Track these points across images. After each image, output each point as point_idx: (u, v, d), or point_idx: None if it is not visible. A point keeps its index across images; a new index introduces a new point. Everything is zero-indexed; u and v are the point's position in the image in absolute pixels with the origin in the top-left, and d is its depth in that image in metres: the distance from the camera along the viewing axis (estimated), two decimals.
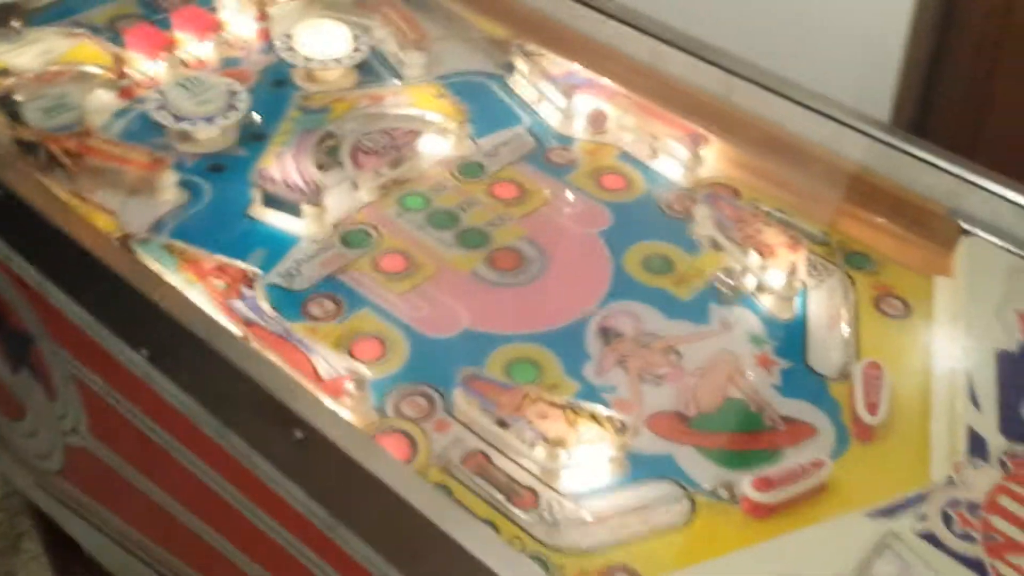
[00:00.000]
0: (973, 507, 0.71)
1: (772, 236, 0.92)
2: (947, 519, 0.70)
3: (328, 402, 0.76)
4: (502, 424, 0.78)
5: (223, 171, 1.00)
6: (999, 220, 0.93)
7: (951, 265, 0.92)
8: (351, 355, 0.84)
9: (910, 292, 0.92)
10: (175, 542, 1.00)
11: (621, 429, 0.77)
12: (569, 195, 1.00)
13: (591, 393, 0.83)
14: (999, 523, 0.70)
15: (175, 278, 0.85)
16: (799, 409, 0.82)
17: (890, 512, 0.70)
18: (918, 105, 1.24)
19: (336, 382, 0.78)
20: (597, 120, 1.07)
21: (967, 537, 0.69)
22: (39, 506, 1.24)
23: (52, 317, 0.92)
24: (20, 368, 1.05)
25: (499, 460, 0.78)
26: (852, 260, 0.95)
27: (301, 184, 0.95)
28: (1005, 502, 0.71)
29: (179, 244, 0.88)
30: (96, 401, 0.94)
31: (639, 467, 0.78)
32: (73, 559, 1.49)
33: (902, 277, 0.94)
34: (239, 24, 1.16)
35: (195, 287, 0.85)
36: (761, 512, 0.73)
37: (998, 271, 0.88)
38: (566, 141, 1.07)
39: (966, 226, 0.94)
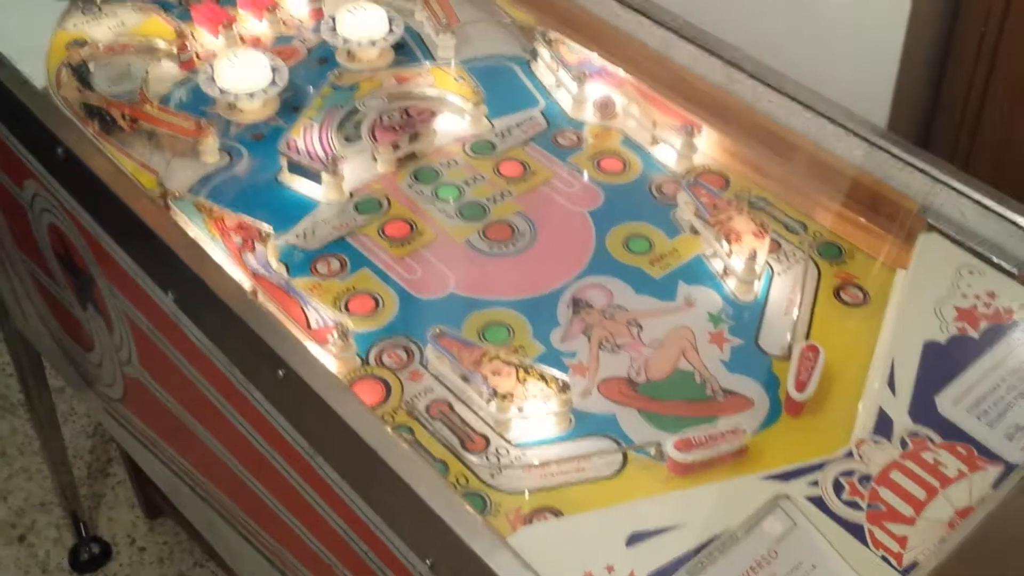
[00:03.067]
0: (865, 479, 0.78)
1: (742, 223, 0.99)
2: (838, 487, 0.77)
3: (311, 347, 0.88)
4: (464, 378, 0.88)
5: (262, 139, 1.12)
6: (963, 219, 0.98)
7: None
8: (347, 309, 0.96)
9: (872, 283, 0.98)
10: (207, 465, 1.13)
11: (564, 388, 0.86)
12: (566, 175, 1.09)
13: (554, 357, 0.92)
14: (886, 494, 0.77)
15: (200, 232, 0.98)
16: (741, 384, 0.90)
17: (787, 476, 0.78)
18: (919, 108, 1.28)
19: (322, 331, 0.90)
20: (605, 106, 1.16)
21: (853, 504, 0.76)
22: (109, 431, 1.40)
23: (106, 260, 1.06)
24: (87, 304, 1.20)
25: (459, 409, 0.88)
26: (824, 250, 1.02)
27: (322, 155, 1.06)
28: (896, 476, 0.77)
29: (207, 202, 1.01)
30: (142, 336, 1.08)
31: (584, 424, 0.87)
32: (150, 484, 1.66)
33: (868, 268, 0.99)
34: (294, 4, 1.28)
35: (216, 241, 0.97)
36: (681, 470, 0.82)
37: (948, 267, 0.94)
38: (576, 125, 1.15)
39: (933, 223, 1.00)
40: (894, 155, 1.02)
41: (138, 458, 1.32)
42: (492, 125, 1.14)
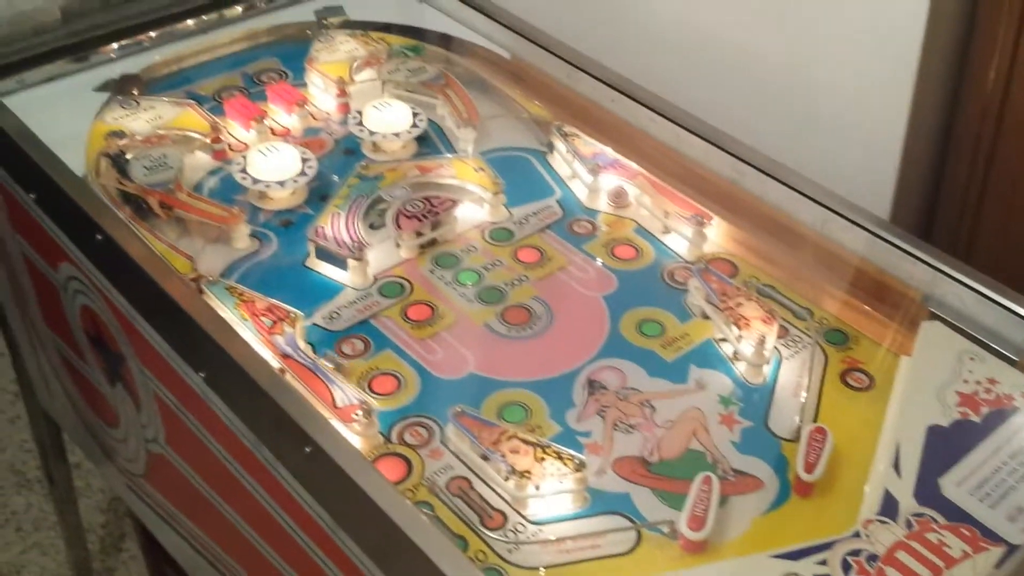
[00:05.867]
0: (872, 558, 0.80)
1: (751, 309, 1.04)
2: (846, 566, 0.80)
3: (336, 425, 0.91)
4: (484, 457, 0.92)
5: (291, 226, 1.17)
6: (964, 307, 1.02)
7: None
8: (370, 388, 0.99)
9: (877, 368, 1.01)
10: (229, 541, 1.16)
11: (580, 467, 0.89)
12: (581, 262, 1.14)
13: (569, 436, 0.96)
14: (892, 574, 0.79)
15: (231, 315, 1.02)
16: (751, 464, 0.93)
17: (796, 555, 0.81)
18: (921, 201, 1.33)
19: (347, 410, 0.93)
20: (618, 196, 1.21)
21: None
22: (130, 506, 1.43)
23: (138, 340, 1.10)
24: (116, 382, 1.23)
25: (478, 486, 0.91)
26: (830, 336, 1.05)
27: (348, 241, 1.11)
28: (902, 556, 0.80)
29: (239, 286, 1.06)
30: (170, 414, 1.11)
31: (598, 502, 0.90)
32: (163, 559, 1.68)
33: (873, 354, 1.03)
34: (322, 99, 1.35)
35: (246, 323, 1.01)
36: (693, 547, 0.84)
37: (950, 354, 0.97)
38: (591, 214, 1.20)
39: (935, 311, 1.04)
40: (897, 246, 1.07)
41: (156, 532, 1.34)
42: (510, 213, 1.20)
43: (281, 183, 1.17)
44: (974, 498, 0.85)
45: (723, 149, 1.19)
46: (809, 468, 0.89)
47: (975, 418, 0.92)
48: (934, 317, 1.04)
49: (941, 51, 1.25)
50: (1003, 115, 1.25)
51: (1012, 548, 0.82)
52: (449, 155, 1.26)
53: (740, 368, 1.02)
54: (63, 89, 1.34)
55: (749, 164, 1.17)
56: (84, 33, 1.38)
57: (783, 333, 1.05)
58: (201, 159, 1.25)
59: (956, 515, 0.84)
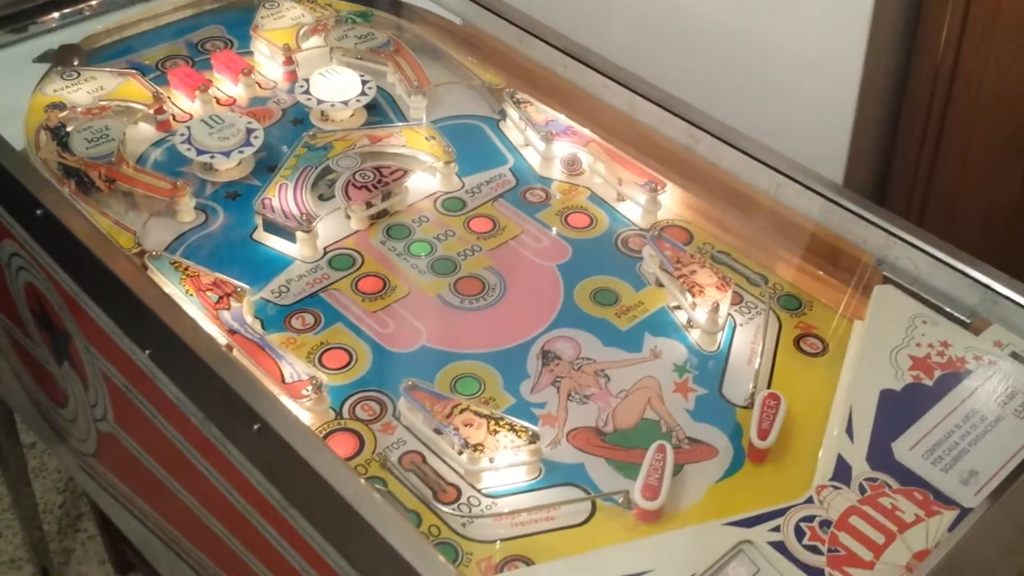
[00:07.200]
0: (825, 524, 0.80)
1: (704, 276, 1.03)
2: (799, 532, 0.80)
3: (285, 401, 0.89)
4: (436, 430, 0.90)
5: (238, 198, 1.15)
6: (917, 271, 1.02)
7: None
8: (321, 363, 0.98)
9: (831, 333, 1.01)
10: (181, 521, 1.14)
11: (533, 439, 0.88)
12: (535, 231, 1.12)
13: (524, 408, 0.94)
14: (845, 539, 0.79)
15: (176, 290, 1.00)
16: (706, 432, 0.92)
17: (750, 522, 0.80)
18: (874, 165, 1.33)
19: (296, 385, 0.92)
20: (572, 164, 1.19)
21: (814, 549, 0.79)
22: (81, 486, 1.41)
23: (82, 318, 1.07)
24: (63, 361, 1.21)
25: (432, 460, 0.90)
26: (784, 302, 1.05)
27: (296, 213, 1.09)
28: (855, 521, 0.80)
29: (184, 261, 1.03)
30: (117, 392, 1.09)
31: (553, 473, 0.89)
32: (121, 538, 1.66)
33: (827, 319, 1.03)
34: (269, 67, 1.32)
35: (192, 299, 0.99)
36: (647, 516, 0.84)
37: (903, 317, 0.97)
38: (544, 182, 1.19)
39: (889, 275, 1.04)
40: (850, 211, 1.06)
41: (110, 512, 1.32)
42: (462, 183, 1.18)
43: (227, 154, 1.14)
44: (927, 462, 0.85)
45: (677, 115, 1.18)
46: (763, 435, 0.88)
47: (927, 381, 0.92)
48: (887, 281, 1.04)
49: (892, 13, 1.24)
50: (955, 76, 1.25)
51: (965, 511, 0.83)
52: (400, 124, 1.24)
53: (694, 335, 1.01)
54: (0, 60, 1.30)
55: (703, 130, 1.16)
56: (23, 3, 1.34)
57: (737, 300, 1.04)
58: (144, 131, 1.22)
59: (909, 479, 0.84)
